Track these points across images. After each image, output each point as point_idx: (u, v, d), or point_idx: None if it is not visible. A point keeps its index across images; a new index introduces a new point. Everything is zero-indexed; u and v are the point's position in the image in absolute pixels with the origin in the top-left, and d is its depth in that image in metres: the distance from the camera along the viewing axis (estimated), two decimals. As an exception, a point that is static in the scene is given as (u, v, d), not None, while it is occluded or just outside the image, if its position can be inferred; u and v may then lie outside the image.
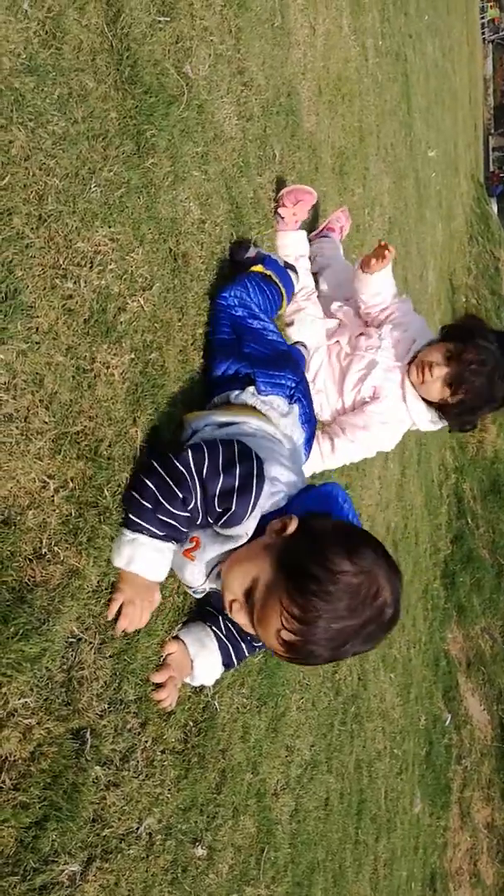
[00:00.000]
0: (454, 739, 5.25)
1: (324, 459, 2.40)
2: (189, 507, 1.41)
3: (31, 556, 1.16)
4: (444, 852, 4.89)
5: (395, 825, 3.86)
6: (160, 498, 1.37)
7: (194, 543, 1.50)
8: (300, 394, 1.78)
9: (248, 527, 1.42)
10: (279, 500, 1.46)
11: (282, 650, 1.31)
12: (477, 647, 5.92)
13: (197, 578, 1.52)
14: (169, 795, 1.52)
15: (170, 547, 1.42)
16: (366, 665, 3.52)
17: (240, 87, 2.19)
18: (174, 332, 1.66)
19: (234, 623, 1.60)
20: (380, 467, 4.19)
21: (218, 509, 1.41)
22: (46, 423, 1.21)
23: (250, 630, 1.42)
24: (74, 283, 1.29)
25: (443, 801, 4.91)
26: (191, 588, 1.58)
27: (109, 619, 1.33)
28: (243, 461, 1.42)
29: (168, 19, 1.72)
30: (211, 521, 1.45)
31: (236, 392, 1.69)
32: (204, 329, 1.81)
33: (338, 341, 2.47)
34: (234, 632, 1.63)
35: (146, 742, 1.44)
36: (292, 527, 1.38)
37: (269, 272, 2.02)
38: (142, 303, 1.52)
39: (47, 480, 1.20)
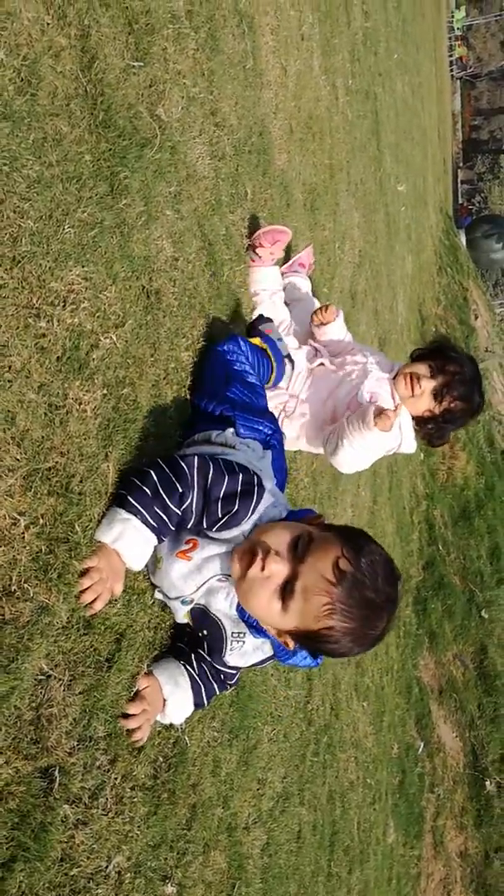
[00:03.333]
0: (427, 767, 5.25)
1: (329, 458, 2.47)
2: (184, 506, 1.49)
3: (0, 594, 1.16)
4: (418, 882, 4.86)
5: (368, 856, 3.84)
6: (160, 489, 1.46)
7: (191, 545, 1.55)
8: (276, 441, 1.86)
9: (245, 529, 1.53)
10: (281, 511, 1.58)
11: (333, 578, 1.38)
12: (449, 674, 5.95)
13: (188, 585, 1.55)
14: (138, 832, 1.51)
15: (153, 542, 1.47)
16: (338, 694, 3.52)
17: (212, 127, 2.24)
18: (147, 368, 1.68)
19: (203, 660, 1.62)
20: (352, 494, 4.23)
21: (219, 513, 1.50)
22: (18, 459, 1.22)
23: (272, 585, 1.43)
24: (47, 322, 1.31)
25: (416, 830, 4.89)
26: (178, 598, 1.59)
27: (83, 587, 1.34)
28: (245, 471, 1.55)
29: (142, 64, 1.77)
30: (206, 527, 1.53)
31: (217, 432, 1.75)
32: (178, 365, 1.84)
33: (322, 363, 2.56)
34: (207, 671, 1.64)
35: (115, 779, 1.44)
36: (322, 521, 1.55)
37: (265, 346, 2.10)
38: (114, 339, 1.54)
39: (18, 517, 1.21)
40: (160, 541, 1.51)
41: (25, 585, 1.21)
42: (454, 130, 23.61)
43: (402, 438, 2.49)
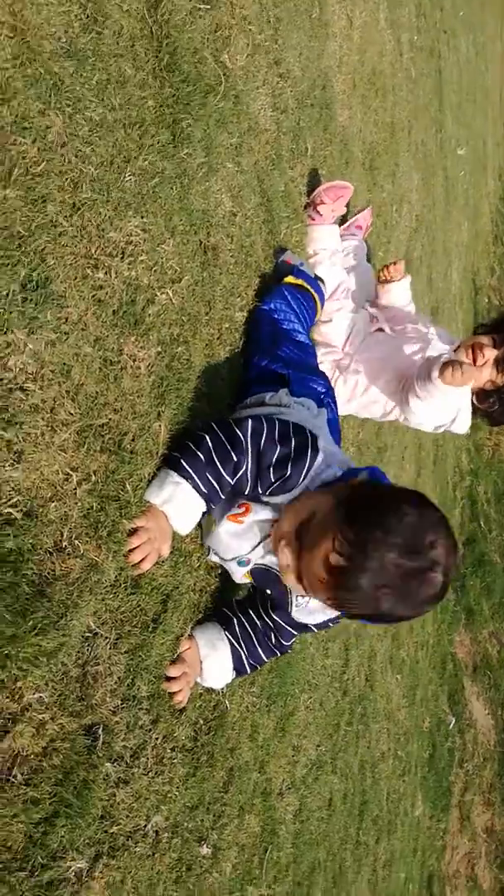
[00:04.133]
0: (457, 743, 5.22)
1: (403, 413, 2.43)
2: (238, 475, 1.46)
3: (51, 549, 1.14)
4: (443, 855, 4.88)
5: (395, 827, 3.85)
6: (214, 456, 1.43)
7: (244, 509, 1.53)
8: (329, 399, 1.80)
9: (295, 494, 1.48)
10: (335, 471, 1.50)
11: (326, 578, 1.29)
12: (484, 652, 5.89)
13: (243, 545, 1.54)
14: (177, 793, 1.51)
15: (202, 508, 1.45)
16: (374, 666, 3.50)
17: (276, 78, 2.16)
18: (201, 327, 1.64)
19: (252, 625, 1.60)
20: (396, 467, 4.16)
21: (272, 478, 1.46)
22: (72, 414, 1.20)
23: (290, 573, 1.40)
24: (105, 273, 1.27)
25: (443, 804, 4.89)
26: (234, 559, 1.56)
27: (132, 546, 1.32)
28: (298, 433, 1.50)
29: (209, 7, 1.69)
30: (261, 491, 1.49)
31: (270, 394, 1.71)
32: (231, 324, 1.79)
33: (380, 328, 2.47)
34: (254, 636, 1.62)
35: (157, 739, 1.43)
36: (362, 476, 1.42)
37: (300, 281, 2.04)
38: (170, 295, 1.50)
39: (70, 473, 1.19)
40: (209, 508, 1.48)
41: (76, 542, 1.19)
42: (516, 94, 22.72)
43: (458, 415, 2.40)
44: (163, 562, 1.46)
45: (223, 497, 1.49)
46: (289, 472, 1.46)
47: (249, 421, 1.50)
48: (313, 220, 2.34)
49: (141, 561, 1.34)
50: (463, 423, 2.45)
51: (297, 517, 1.42)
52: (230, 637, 1.60)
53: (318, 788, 2.54)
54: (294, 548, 1.39)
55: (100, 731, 1.24)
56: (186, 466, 1.41)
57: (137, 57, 1.39)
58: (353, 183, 3.07)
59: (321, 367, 2.35)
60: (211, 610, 1.66)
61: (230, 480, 1.46)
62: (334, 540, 1.28)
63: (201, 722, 1.64)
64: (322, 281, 2.23)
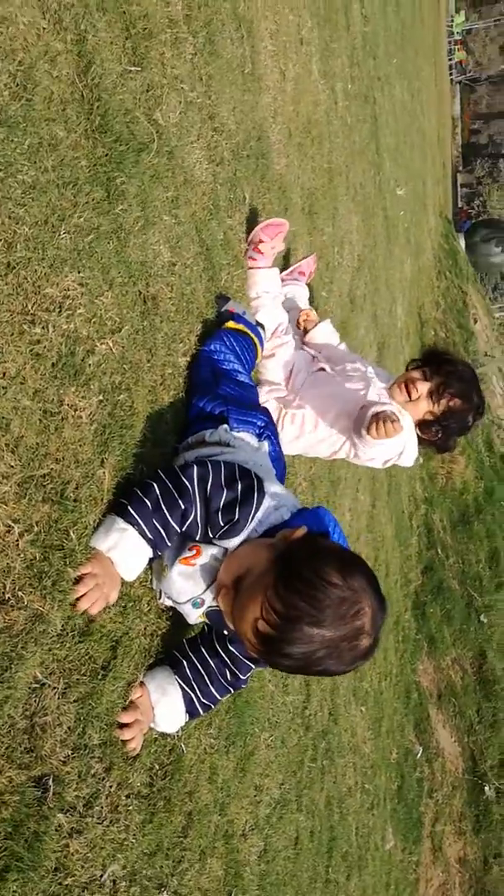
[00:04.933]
0: (426, 773, 5.23)
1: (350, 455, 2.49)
2: (188, 522, 1.49)
3: (-6, 602, 1.15)
4: (416, 888, 4.84)
5: (366, 862, 3.82)
6: (161, 503, 1.46)
7: (195, 552, 1.55)
8: (269, 432, 1.85)
9: (242, 538, 1.52)
10: (283, 513, 1.55)
11: (255, 641, 1.37)
12: (448, 679, 5.93)
13: (197, 586, 1.56)
14: (134, 841, 1.50)
15: (148, 554, 1.47)
16: (337, 699, 3.51)
17: (210, 132, 2.24)
18: (143, 374, 1.68)
19: (203, 663, 1.61)
20: (350, 499, 4.22)
21: (221, 523, 1.50)
22: (12, 466, 1.22)
23: (229, 621, 1.47)
24: (42, 328, 1.31)
25: (414, 835, 4.87)
26: (189, 601, 1.58)
27: (78, 594, 1.33)
28: (244, 477, 1.54)
29: (139, 69, 1.77)
30: (211, 536, 1.53)
31: (210, 431, 1.75)
32: (175, 370, 1.84)
33: (322, 368, 2.54)
34: (206, 676, 1.63)
35: (111, 787, 1.43)
36: (298, 533, 1.45)
37: (240, 326, 2.11)
38: (111, 345, 1.54)
39: (12, 525, 1.20)
40: (155, 555, 1.50)
41: (20, 593, 1.20)
42: (454, 134, 23.69)
43: (405, 449, 2.47)
44: (111, 608, 1.47)
45: (169, 544, 1.52)
46: (237, 517, 1.50)
47: (195, 467, 1.53)
48: (254, 259, 2.42)
49: (88, 608, 1.36)
50: (409, 457, 2.52)
51: (234, 571, 1.47)
52: (180, 680, 1.60)
53: (283, 827, 2.53)
54: (232, 597, 1.44)
55: (50, 782, 1.24)
56: (133, 513, 1.44)
57: (69, 120, 1.45)
58: (294, 228, 3.18)
59: (266, 406, 2.41)
60: (163, 654, 1.67)
61: (177, 528, 1.49)
62: (262, 608, 1.34)
63: (157, 767, 1.64)
64: (262, 326, 2.30)
